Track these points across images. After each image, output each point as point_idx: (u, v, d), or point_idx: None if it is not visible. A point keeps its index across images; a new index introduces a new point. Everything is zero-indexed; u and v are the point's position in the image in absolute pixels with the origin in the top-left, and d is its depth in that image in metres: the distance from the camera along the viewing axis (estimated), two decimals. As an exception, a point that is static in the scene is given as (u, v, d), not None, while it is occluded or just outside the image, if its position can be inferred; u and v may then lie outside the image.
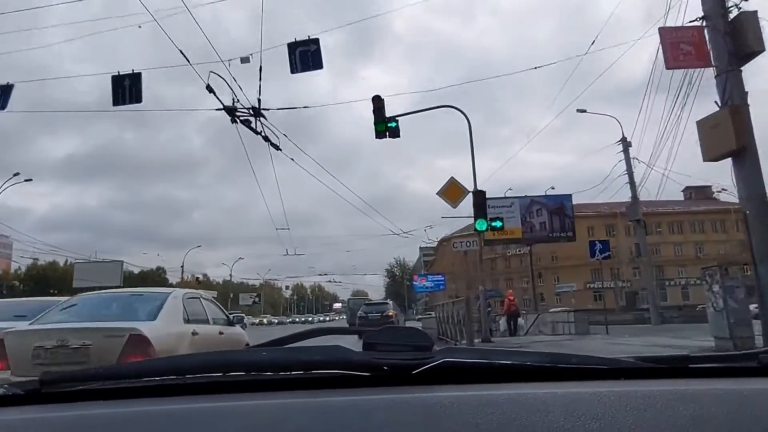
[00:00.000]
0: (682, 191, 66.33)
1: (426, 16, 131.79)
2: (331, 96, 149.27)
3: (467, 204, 15.31)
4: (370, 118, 13.25)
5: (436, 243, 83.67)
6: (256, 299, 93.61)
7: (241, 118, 11.12)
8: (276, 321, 64.68)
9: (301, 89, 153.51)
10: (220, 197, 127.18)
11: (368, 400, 0.76)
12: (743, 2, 9.07)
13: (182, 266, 53.80)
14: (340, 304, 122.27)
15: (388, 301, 24.90)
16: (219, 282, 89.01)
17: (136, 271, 75.32)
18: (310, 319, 71.53)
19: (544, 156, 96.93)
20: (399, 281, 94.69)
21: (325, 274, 54.71)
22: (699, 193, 67.40)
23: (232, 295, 70.70)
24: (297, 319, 73.33)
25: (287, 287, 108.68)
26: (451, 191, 15.70)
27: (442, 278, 69.81)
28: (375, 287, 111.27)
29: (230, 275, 67.65)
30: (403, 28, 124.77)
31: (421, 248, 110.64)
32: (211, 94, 10.30)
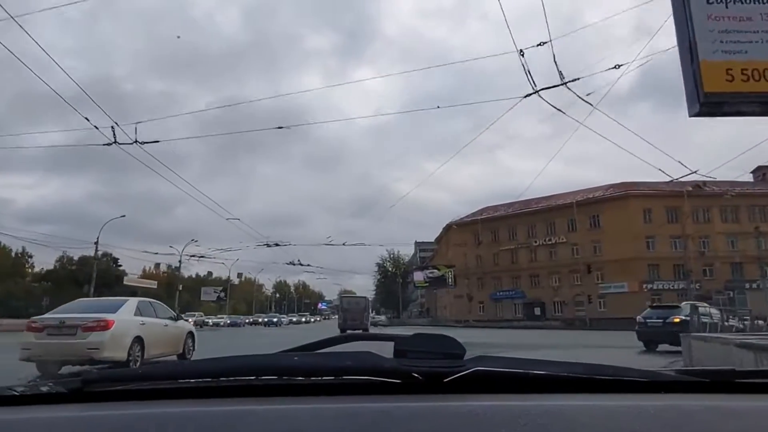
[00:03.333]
0: (752, 172, 52.81)
1: (418, 20, 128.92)
2: (321, 96, 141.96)
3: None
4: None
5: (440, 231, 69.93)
6: (221, 294, 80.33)
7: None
8: (227, 322, 49.98)
9: (292, 87, 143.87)
10: (206, 193, 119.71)
11: (399, 408, 0.77)
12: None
13: (96, 242, 40.05)
14: (325, 305, 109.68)
15: (678, 304, 17.26)
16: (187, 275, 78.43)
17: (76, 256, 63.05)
18: (274, 320, 56.82)
19: (530, 163, 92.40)
20: (392, 278, 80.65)
21: (290, 261, 40.51)
22: (775, 173, 53.79)
23: (181, 287, 57.21)
24: (260, 319, 58.66)
25: (249, 277, 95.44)
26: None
27: (452, 271, 56.28)
28: (364, 286, 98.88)
29: (179, 261, 53.52)
30: (395, 32, 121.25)
31: (416, 243, 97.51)
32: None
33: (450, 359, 0.89)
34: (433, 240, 79.04)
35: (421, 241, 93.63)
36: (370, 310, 38.87)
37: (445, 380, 0.84)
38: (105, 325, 8.96)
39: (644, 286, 47.77)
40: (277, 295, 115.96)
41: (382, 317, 67.07)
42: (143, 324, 9.84)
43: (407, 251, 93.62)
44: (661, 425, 0.71)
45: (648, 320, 16.15)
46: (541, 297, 54.41)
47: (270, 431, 0.71)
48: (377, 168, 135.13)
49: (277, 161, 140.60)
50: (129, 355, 9.20)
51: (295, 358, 0.96)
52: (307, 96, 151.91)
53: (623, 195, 50.05)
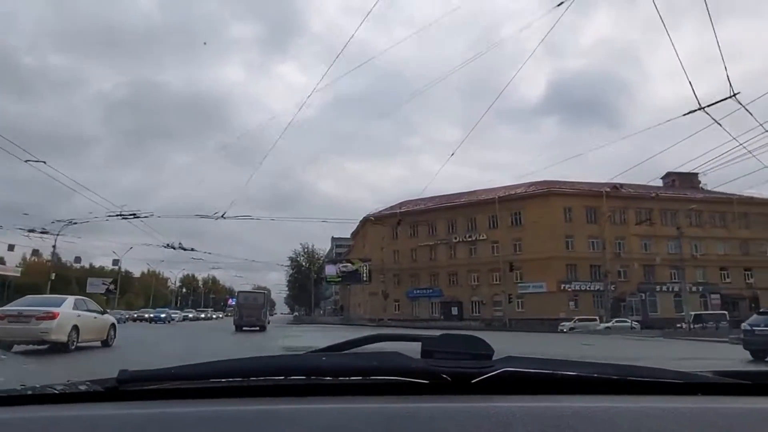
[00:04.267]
0: (662, 178, 53.83)
1: (344, 18, 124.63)
2: (242, 86, 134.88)
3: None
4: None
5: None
6: (111, 286, 72.03)
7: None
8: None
9: (211, 75, 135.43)
10: (108, 180, 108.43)
11: (427, 408, 0.77)
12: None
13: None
14: (235, 301, 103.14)
15: None
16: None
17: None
18: (162, 315, 49.32)
19: (453, 167, 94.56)
20: (306, 273, 75.85)
21: (167, 244, 34.92)
22: (683, 180, 55.09)
23: (54, 275, 49.74)
24: (146, 315, 51.21)
25: (153, 270, 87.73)
26: None
27: (366, 265, 52.56)
28: (282, 282, 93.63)
29: (53, 246, 45.97)
30: (321, 28, 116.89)
31: (333, 238, 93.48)
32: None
33: (478, 360, 0.89)
34: (350, 236, 75.37)
35: (338, 237, 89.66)
36: (268, 306, 34.95)
37: (474, 381, 0.84)
38: (52, 316, 11.77)
39: (562, 286, 46.79)
40: (184, 290, 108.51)
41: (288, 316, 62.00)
42: (79, 316, 12.64)
43: (323, 246, 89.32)
44: (698, 429, 0.69)
45: (756, 328, 14.48)
46: (459, 296, 52.24)
47: (299, 431, 0.72)
48: (298, 164, 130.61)
49: (192, 150, 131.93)
50: (69, 338, 11.99)
51: (323, 358, 0.98)
52: (227, 85, 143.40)
53: (545, 192, 48.92)
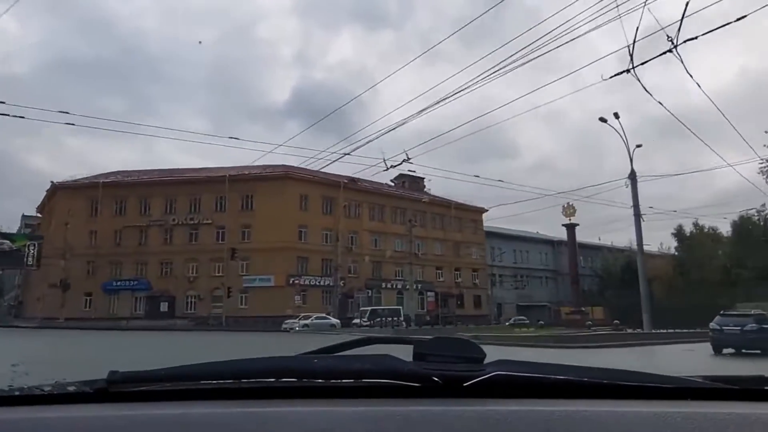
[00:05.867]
0: (393, 180, 55.20)
1: None
2: None
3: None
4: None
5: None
6: None
7: None
8: None
9: None
10: None
11: (419, 411, 0.77)
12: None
13: None
14: None
15: (748, 311, 18.15)
16: None
17: None
18: None
19: (187, 157, 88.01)
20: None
21: None
22: (412, 183, 57.46)
23: None
24: None
25: None
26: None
27: (35, 245, 38.80)
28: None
29: None
30: None
31: (24, 216, 72.58)
32: None
33: (470, 363, 0.88)
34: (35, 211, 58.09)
35: (30, 215, 69.49)
36: None
37: (465, 384, 0.84)
38: None
39: (291, 280, 42.55)
40: None
41: None
42: None
43: (13, 226, 68.03)
44: None
45: (724, 327, 16.80)
46: (172, 290, 43.49)
47: None
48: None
49: None
50: None
51: (315, 360, 0.97)
52: None
53: (282, 175, 44.02)
